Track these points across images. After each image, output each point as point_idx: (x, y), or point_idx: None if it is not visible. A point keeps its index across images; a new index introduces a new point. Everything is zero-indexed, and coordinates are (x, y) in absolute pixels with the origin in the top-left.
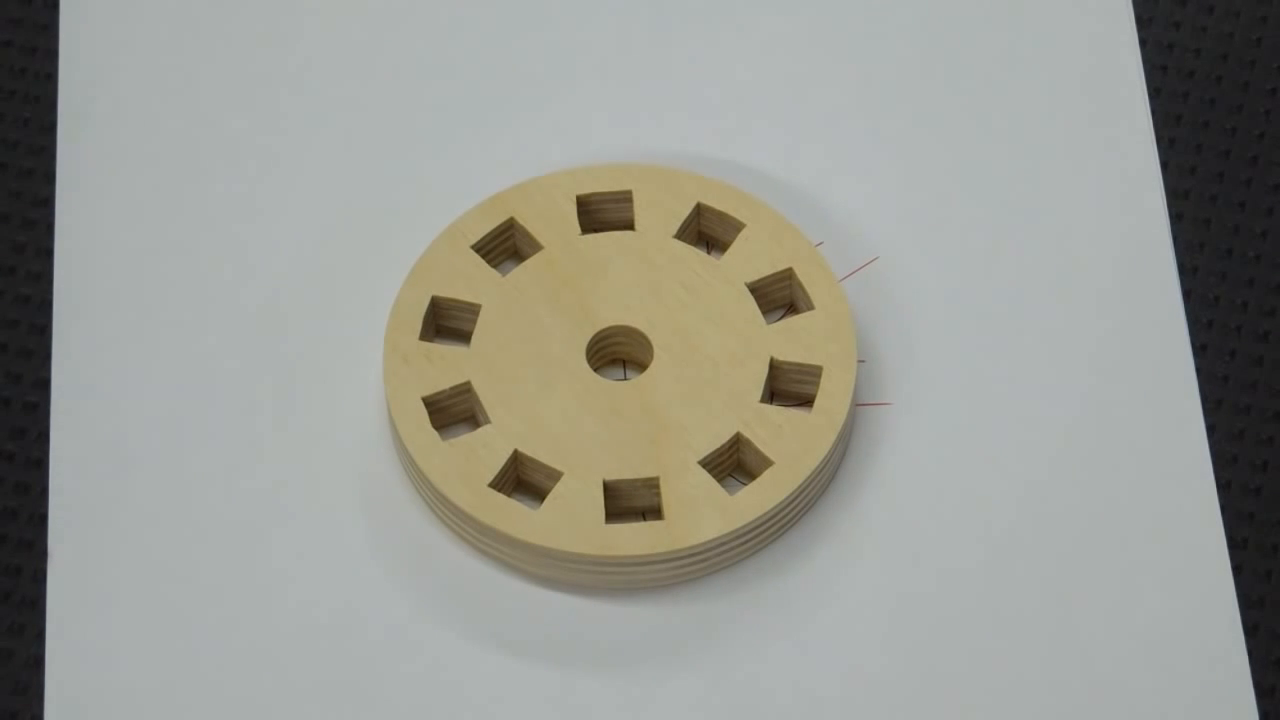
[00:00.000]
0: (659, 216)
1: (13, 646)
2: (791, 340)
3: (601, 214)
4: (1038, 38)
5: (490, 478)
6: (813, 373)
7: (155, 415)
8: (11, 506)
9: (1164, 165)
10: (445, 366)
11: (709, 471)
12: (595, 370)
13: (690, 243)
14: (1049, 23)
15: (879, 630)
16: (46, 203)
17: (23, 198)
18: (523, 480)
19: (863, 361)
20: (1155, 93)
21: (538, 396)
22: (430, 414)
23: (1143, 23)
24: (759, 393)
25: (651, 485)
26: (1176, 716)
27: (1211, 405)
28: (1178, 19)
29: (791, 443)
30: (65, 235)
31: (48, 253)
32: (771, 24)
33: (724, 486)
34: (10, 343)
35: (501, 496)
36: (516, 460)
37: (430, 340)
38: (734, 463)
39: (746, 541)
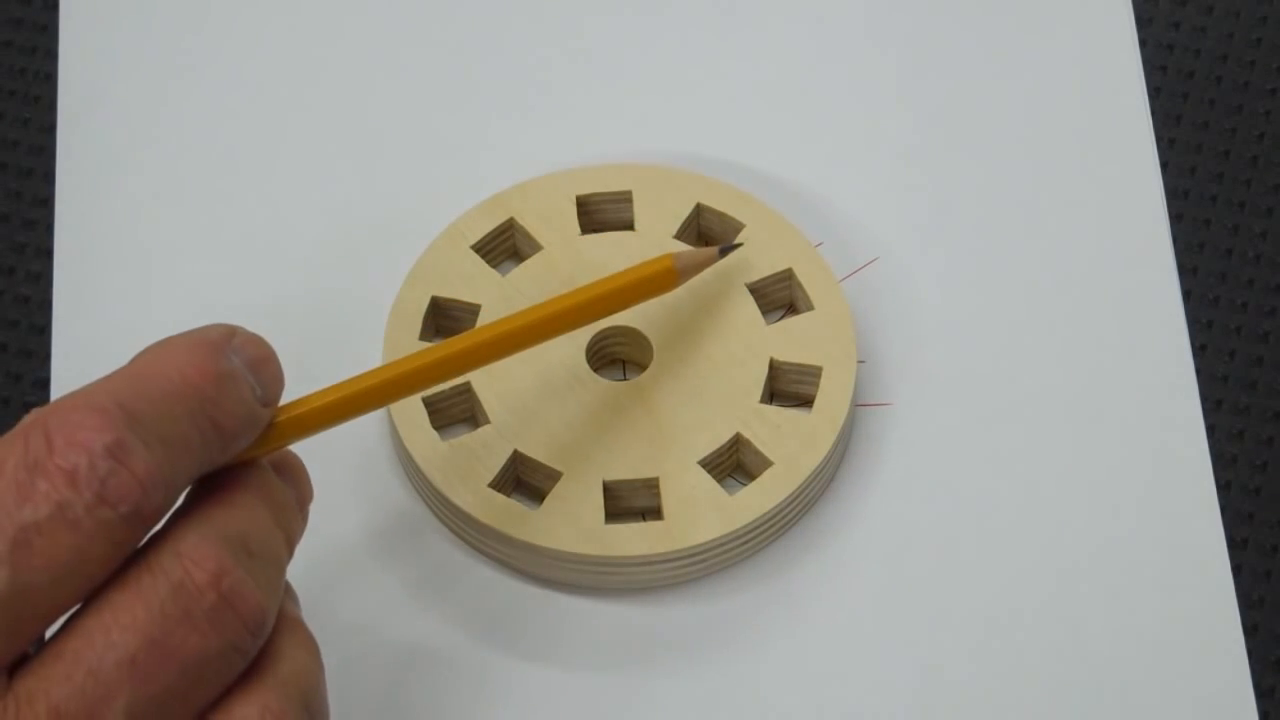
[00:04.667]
0: (659, 216)
1: None
2: (791, 340)
3: (601, 214)
4: (1037, 38)
5: (490, 478)
6: (813, 373)
7: None
8: None
9: (1164, 165)
10: None
11: (709, 472)
12: (595, 370)
13: (690, 243)
14: (1049, 23)
15: (879, 630)
16: (46, 203)
17: (23, 198)
18: (523, 480)
19: (863, 362)
20: (1155, 93)
21: (538, 396)
22: (430, 414)
23: (1143, 23)
24: (759, 393)
25: (651, 485)
26: (1176, 716)
27: (1211, 405)
28: (1178, 19)
29: (791, 443)
30: (65, 235)
31: (48, 253)
32: (772, 24)
33: (724, 487)
34: (10, 343)
35: (501, 496)
36: (516, 460)
37: (430, 340)
38: (734, 463)
39: (746, 541)
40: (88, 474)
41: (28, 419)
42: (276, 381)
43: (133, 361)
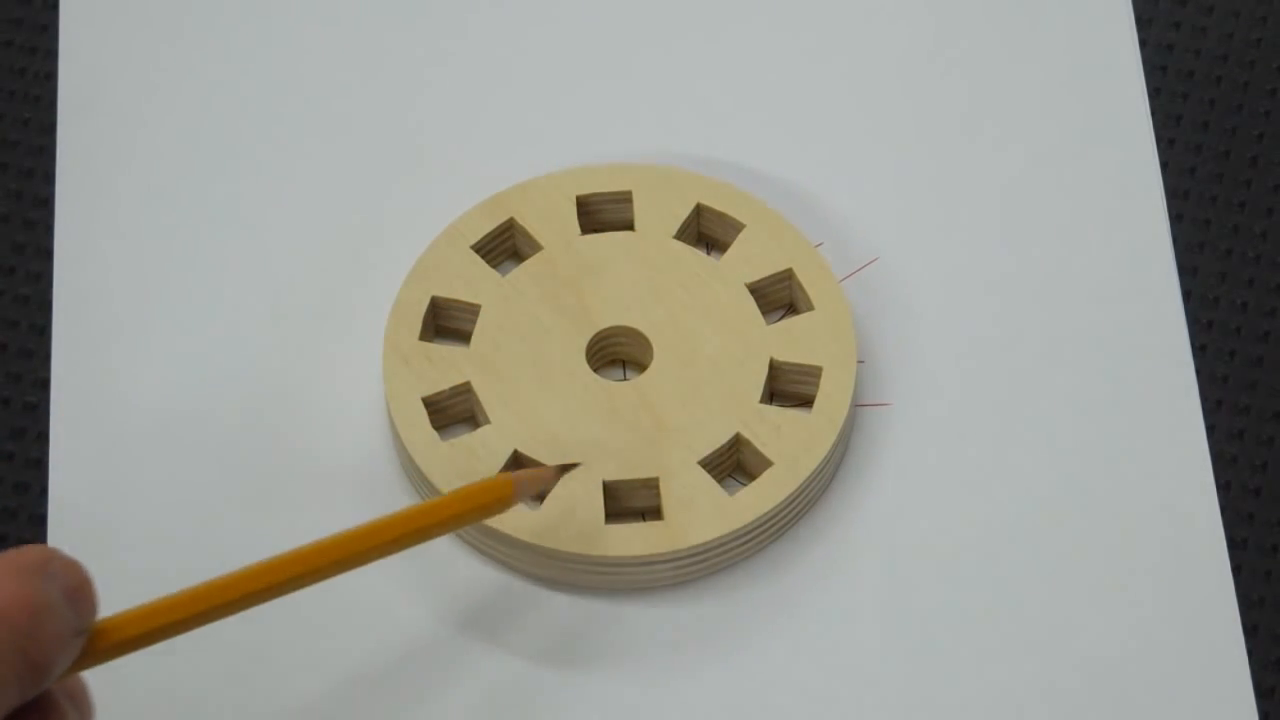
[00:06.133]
0: (659, 217)
1: None
2: (791, 340)
3: (601, 214)
4: (1037, 38)
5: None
6: (812, 373)
7: (155, 415)
8: (11, 507)
9: (1164, 165)
10: (445, 366)
11: (709, 472)
12: (595, 370)
13: (690, 243)
14: (1049, 23)
15: (879, 630)
16: (46, 203)
17: (23, 198)
18: None
19: (862, 362)
20: (1155, 93)
21: (538, 396)
22: (430, 414)
23: (1143, 23)
24: (759, 393)
25: (651, 485)
26: (1177, 717)
27: (1211, 405)
28: (1178, 19)
29: (791, 443)
30: (65, 235)
31: (48, 253)
32: (772, 24)
33: (724, 487)
34: (10, 343)
35: None
36: (516, 460)
37: (430, 340)
38: (734, 463)
39: (746, 541)
40: None
41: None
42: (92, 611)
43: None
